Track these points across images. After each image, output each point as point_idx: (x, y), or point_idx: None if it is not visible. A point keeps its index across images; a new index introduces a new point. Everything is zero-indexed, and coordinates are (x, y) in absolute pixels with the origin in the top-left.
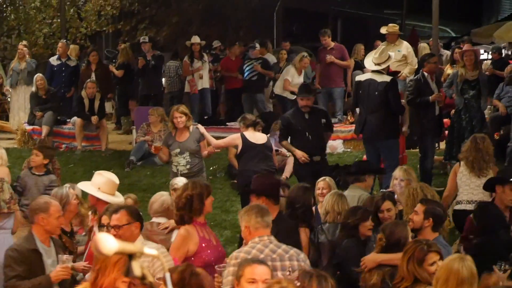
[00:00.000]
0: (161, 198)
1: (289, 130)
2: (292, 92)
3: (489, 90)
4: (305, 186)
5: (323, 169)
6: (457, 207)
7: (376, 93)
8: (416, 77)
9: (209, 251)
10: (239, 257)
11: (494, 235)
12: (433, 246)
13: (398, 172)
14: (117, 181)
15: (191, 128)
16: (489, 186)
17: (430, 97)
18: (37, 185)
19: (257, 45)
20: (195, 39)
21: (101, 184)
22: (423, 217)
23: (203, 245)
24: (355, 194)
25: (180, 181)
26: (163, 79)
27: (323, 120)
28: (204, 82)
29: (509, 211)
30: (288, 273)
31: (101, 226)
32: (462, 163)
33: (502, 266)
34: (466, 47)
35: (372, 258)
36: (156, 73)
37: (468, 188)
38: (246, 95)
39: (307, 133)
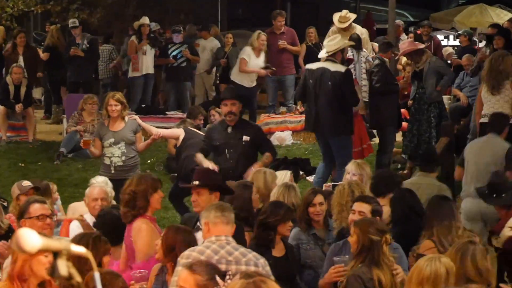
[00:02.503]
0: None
1: (209, 144)
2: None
3: (439, 78)
4: (245, 184)
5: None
6: (482, 120)
7: (330, 83)
8: (378, 63)
9: None
10: (191, 257)
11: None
12: None
13: (351, 166)
14: None
15: (126, 118)
16: None
17: (399, 83)
18: None
19: (181, 29)
20: (145, 19)
21: None
22: (371, 216)
23: None
24: (432, 183)
25: (99, 179)
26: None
27: (246, 138)
28: (149, 68)
29: None
30: (228, 277)
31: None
32: (483, 82)
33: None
34: (403, 44)
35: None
36: (88, 58)
37: (490, 103)
38: (173, 83)
39: (226, 151)
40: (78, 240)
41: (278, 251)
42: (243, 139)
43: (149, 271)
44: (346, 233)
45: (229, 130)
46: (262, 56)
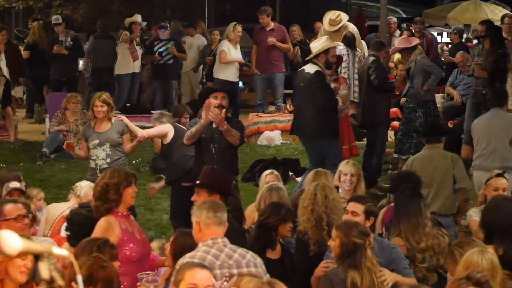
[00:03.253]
0: None
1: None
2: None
3: (427, 77)
4: (234, 185)
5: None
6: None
7: (302, 84)
8: (374, 59)
9: (131, 245)
10: None
11: None
12: None
13: (346, 167)
14: None
15: (113, 119)
16: None
17: (394, 81)
18: None
19: (168, 25)
20: (137, 17)
21: None
22: (364, 217)
23: (125, 238)
24: (444, 154)
25: (83, 184)
26: (81, 62)
27: None
28: (136, 66)
29: None
30: (224, 278)
31: None
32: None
33: None
34: (396, 40)
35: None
36: (71, 56)
37: None
38: (160, 81)
39: (211, 146)
40: (83, 246)
41: (274, 253)
42: None
43: None
44: (303, 236)
45: (214, 125)
46: (239, 48)
